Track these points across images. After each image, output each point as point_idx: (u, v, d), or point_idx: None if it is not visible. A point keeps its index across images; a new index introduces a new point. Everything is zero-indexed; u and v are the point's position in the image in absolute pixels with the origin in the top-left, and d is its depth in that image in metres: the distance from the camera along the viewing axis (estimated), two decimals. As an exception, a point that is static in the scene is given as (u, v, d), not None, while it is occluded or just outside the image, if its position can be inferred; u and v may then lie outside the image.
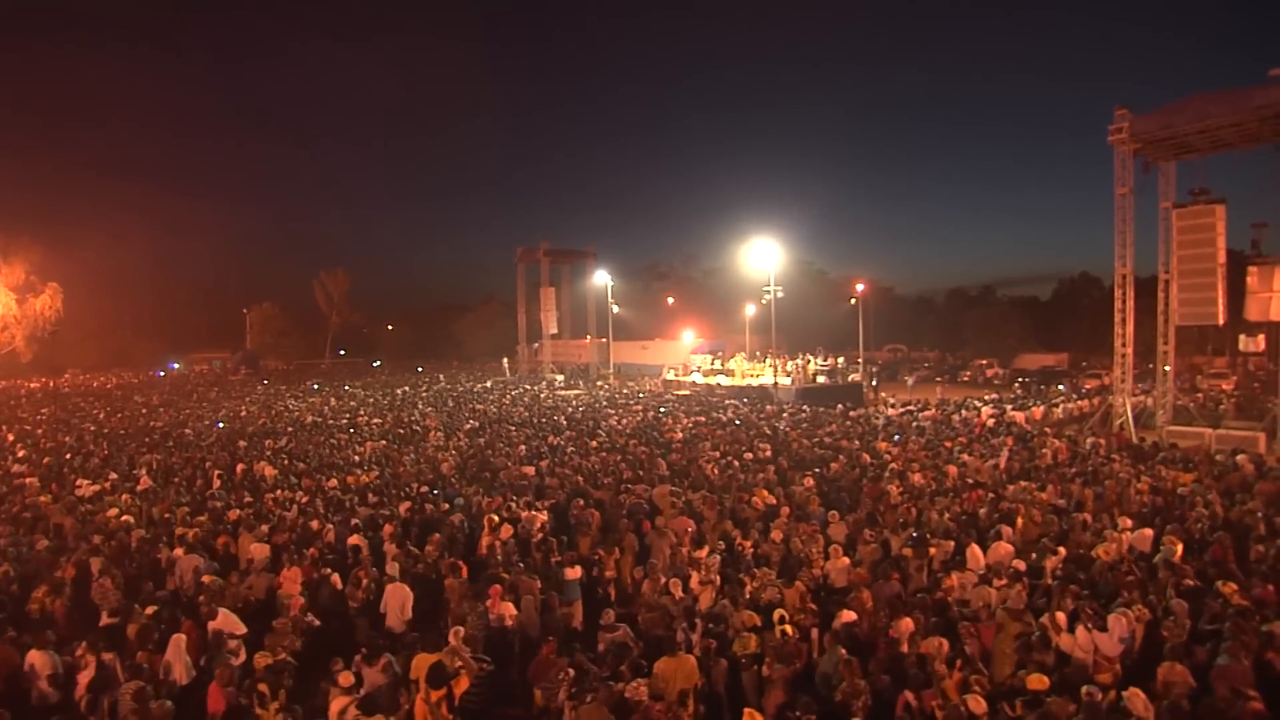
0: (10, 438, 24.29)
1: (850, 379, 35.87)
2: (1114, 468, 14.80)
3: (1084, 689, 5.99)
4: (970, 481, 14.13)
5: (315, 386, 45.94)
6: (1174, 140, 21.40)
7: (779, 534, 10.69)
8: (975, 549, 9.74)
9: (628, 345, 55.49)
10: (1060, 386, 35.29)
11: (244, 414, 30.88)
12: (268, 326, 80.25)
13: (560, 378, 48.16)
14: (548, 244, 55.18)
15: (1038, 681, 6.12)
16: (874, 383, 38.96)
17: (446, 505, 13.07)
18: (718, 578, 8.94)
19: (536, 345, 57.18)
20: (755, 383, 35.67)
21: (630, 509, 12.59)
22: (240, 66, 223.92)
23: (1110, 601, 7.95)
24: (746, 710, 6.22)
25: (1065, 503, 12.65)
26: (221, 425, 26.88)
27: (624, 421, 24.53)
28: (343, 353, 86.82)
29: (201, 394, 42.32)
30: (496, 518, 11.50)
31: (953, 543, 10.17)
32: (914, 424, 22.61)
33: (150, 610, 8.45)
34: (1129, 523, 10.81)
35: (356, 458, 18.85)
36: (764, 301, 39.11)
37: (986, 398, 29.54)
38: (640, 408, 28.43)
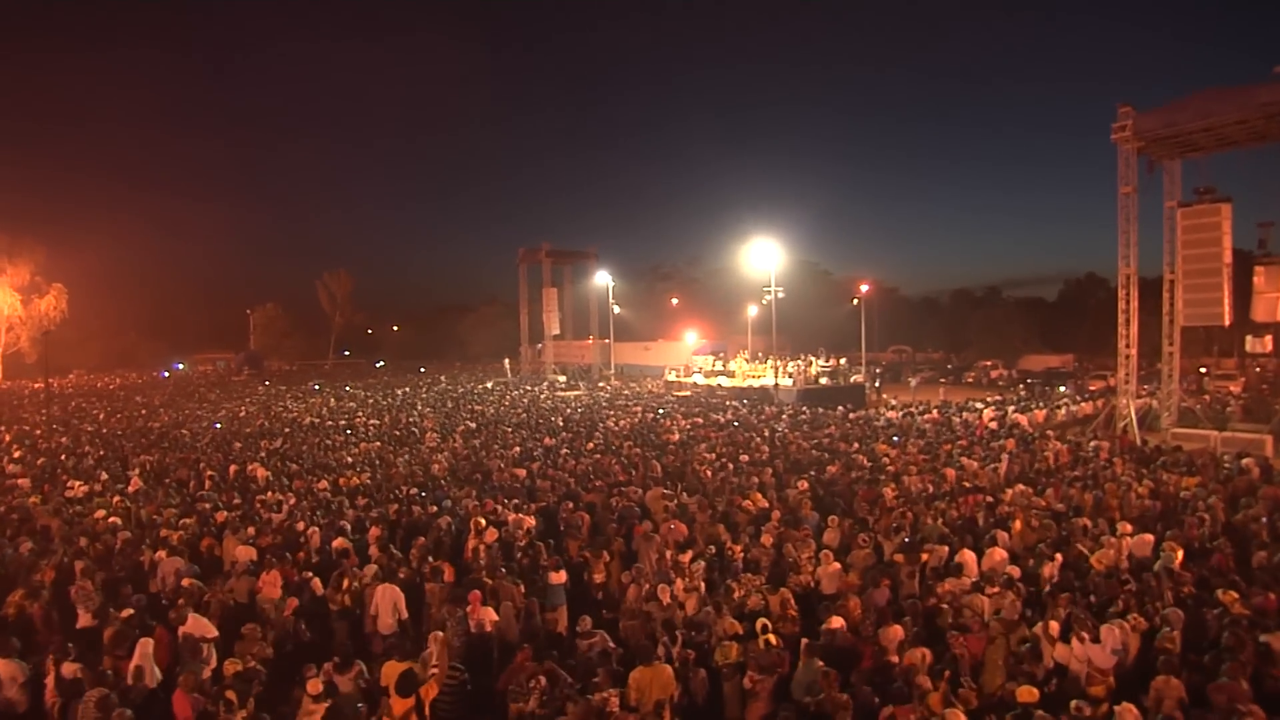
0: (7, 438, 24.30)
1: (852, 380, 35.57)
2: (1115, 471, 14.52)
3: (1073, 703, 5.77)
4: (968, 486, 13.87)
5: (316, 387, 45.92)
6: (1178, 138, 21.09)
7: (769, 538, 10.48)
8: (969, 555, 9.49)
9: (630, 346, 55.30)
10: (1062, 388, 34.93)
11: (242, 414, 30.84)
12: (271, 327, 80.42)
13: (562, 379, 48.02)
14: (549, 244, 55.11)
15: (1027, 694, 5.89)
16: (877, 384, 38.66)
17: (434, 508, 12.90)
18: (702, 584, 8.73)
19: (539, 346, 57.09)
20: (756, 384, 35.41)
21: (621, 512, 12.40)
22: (244, 68, 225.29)
23: (1107, 610, 7.72)
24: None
25: (1065, 507, 12.39)
26: (219, 425, 26.83)
27: (622, 423, 24.34)
28: (347, 354, 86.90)
29: (202, 395, 42.33)
30: (483, 521, 11.33)
31: (946, 548, 9.93)
32: (914, 426, 22.34)
33: (126, 614, 8.33)
34: (1129, 528, 10.55)
35: (350, 459, 18.71)
36: (764, 302, 38.87)
37: (988, 399, 29.22)
38: (639, 409, 28.24)
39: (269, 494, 14.62)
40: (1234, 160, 22.17)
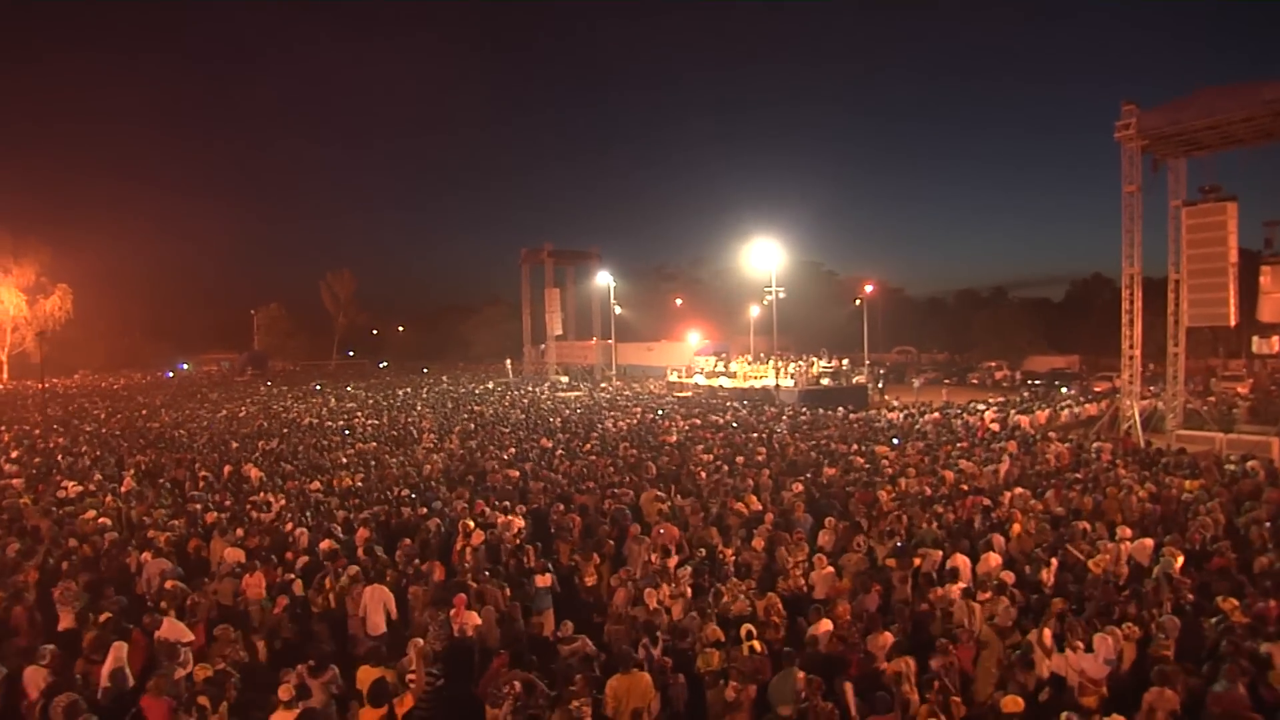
0: (6, 438, 24.32)
1: (855, 381, 35.32)
2: (1117, 474, 14.28)
3: (1063, 715, 5.58)
4: (966, 488, 13.65)
5: (318, 388, 45.94)
6: (1183, 136, 20.77)
7: (760, 542, 10.30)
8: (962, 559, 9.28)
9: (633, 347, 55.15)
10: (1064, 389, 34.59)
11: (242, 414, 30.83)
12: (275, 328, 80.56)
13: (565, 379, 47.89)
14: (551, 245, 55.04)
15: (1012, 704, 5.71)
16: (880, 385, 38.39)
17: (424, 509, 12.76)
18: (689, 589, 8.56)
19: (542, 347, 56.99)
20: (758, 384, 35.20)
21: (613, 515, 12.24)
22: (249, 69, 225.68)
23: (1102, 617, 7.52)
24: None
25: (1065, 510, 12.17)
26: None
27: (620, 424, 24.19)
28: (351, 354, 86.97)
29: (204, 395, 42.38)
30: (471, 523, 11.19)
31: (939, 553, 9.73)
32: (915, 428, 22.11)
33: (104, 617, 8.22)
34: (1128, 532, 10.32)
35: (345, 460, 18.62)
36: (765, 303, 38.67)
37: (990, 400, 28.94)
38: (639, 410, 28.09)
39: (261, 495, 14.53)
40: (1240, 158, 21.86)
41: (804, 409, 27.56)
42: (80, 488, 15.80)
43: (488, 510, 12.30)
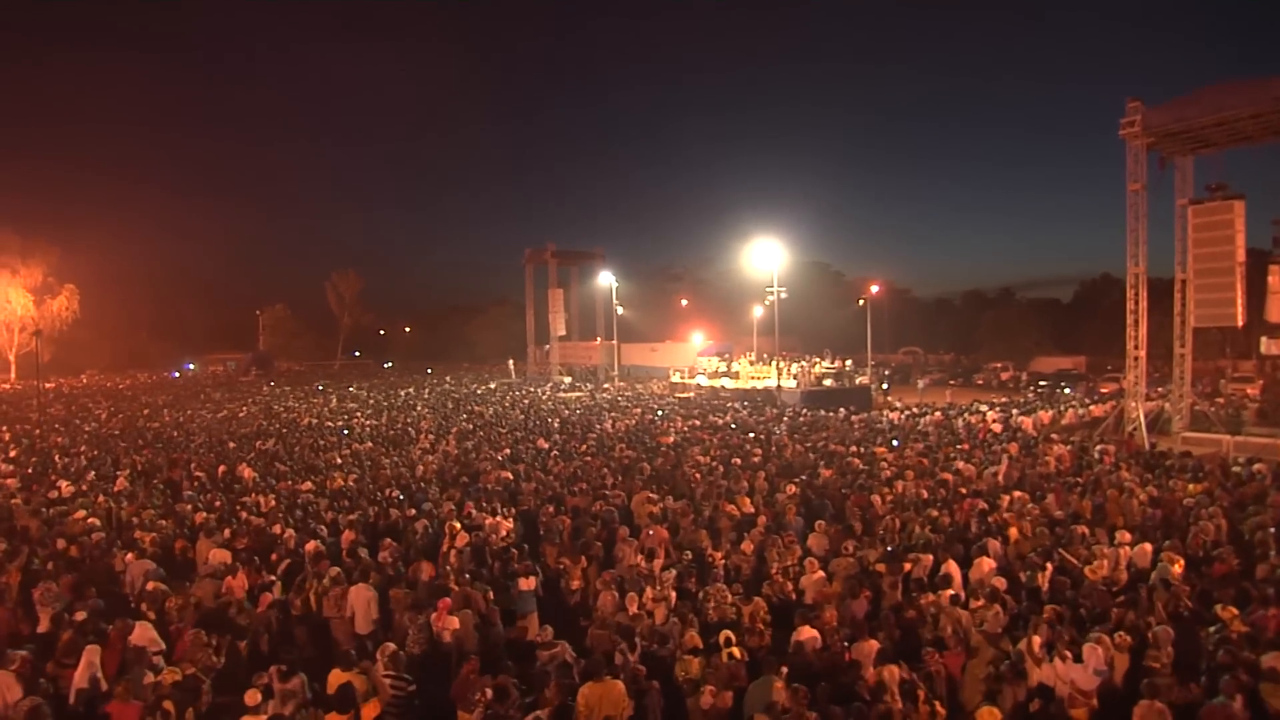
0: (6, 437, 24.38)
1: (858, 382, 35.03)
2: (1119, 477, 13.99)
3: (1048, 727, 5.37)
4: (964, 491, 13.40)
5: (320, 388, 45.98)
6: (1189, 133, 20.45)
7: (750, 545, 10.11)
8: (953, 565, 9.05)
9: (637, 347, 54.96)
10: (1068, 390, 34.19)
11: (243, 414, 30.83)
12: (280, 328, 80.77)
13: (568, 379, 47.74)
14: (555, 245, 54.91)
15: (988, 715, 5.51)
16: (884, 386, 38.07)
17: (413, 511, 12.63)
18: (673, 593, 8.38)
19: (546, 347, 56.89)
20: (760, 385, 34.97)
21: (602, 517, 12.07)
22: (254, 70, 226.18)
23: (1099, 625, 7.30)
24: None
25: (1064, 514, 11.92)
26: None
27: (620, 425, 24.02)
28: (357, 354, 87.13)
29: (207, 395, 42.47)
30: (457, 525, 11.05)
31: (930, 557, 9.51)
32: (916, 429, 21.85)
33: (79, 617, 8.13)
34: (1128, 536, 10.08)
35: (339, 460, 18.52)
36: (767, 303, 38.42)
37: (994, 401, 28.61)
38: (639, 410, 27.93)
39: (252, 495, 14.44)
40: (1247, 156, 21.51)
41: (805, 410, 27.33)
42: (74, 488, 15.76)
43: (475, 512, 12.14)
